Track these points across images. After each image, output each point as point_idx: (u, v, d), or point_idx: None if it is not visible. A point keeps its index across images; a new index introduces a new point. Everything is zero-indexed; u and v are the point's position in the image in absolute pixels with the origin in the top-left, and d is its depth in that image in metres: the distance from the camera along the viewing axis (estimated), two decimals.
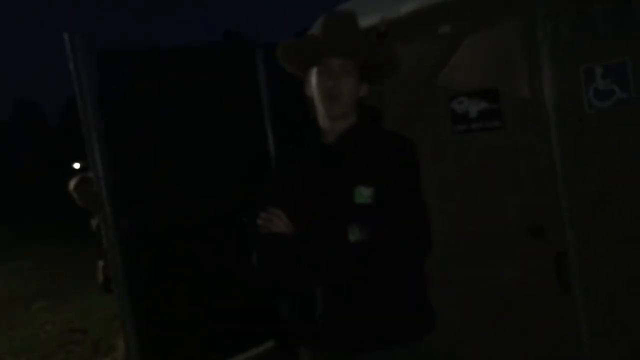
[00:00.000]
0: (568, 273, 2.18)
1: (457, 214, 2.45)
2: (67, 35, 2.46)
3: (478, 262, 2.42)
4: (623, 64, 1.99)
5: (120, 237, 2.60)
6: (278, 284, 2.01)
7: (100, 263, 3.46)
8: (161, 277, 2.73)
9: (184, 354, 2.84)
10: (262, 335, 3.01)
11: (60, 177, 7.68)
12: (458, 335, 2.45)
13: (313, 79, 1.66)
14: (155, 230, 2.74)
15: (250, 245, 1.68)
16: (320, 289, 1.61)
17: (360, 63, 1.64)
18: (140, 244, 2.67)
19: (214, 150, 2.95)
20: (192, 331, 2.83)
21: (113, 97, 2.65)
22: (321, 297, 1.61)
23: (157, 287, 2.71)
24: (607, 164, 2.06)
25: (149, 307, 2.67)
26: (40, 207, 22.16)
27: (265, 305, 2.88)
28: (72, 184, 3.50)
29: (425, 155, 1.73)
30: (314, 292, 1.62)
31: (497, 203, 2.36)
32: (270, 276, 1.83)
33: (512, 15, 2.24)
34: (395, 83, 2.34)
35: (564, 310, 2.19)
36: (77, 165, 26.36)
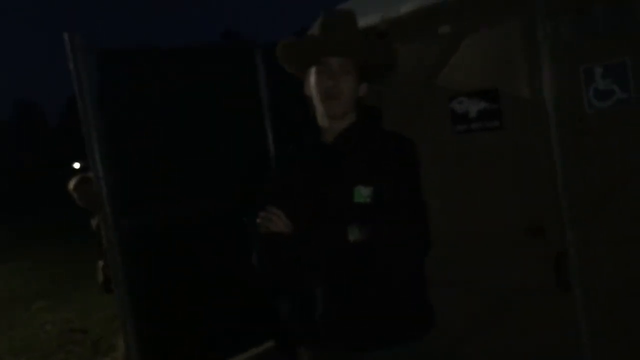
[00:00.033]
0: (568, 273, 2.18)
1: (457, 214, 2.45)
2: (67, 35, 2.46)
3: (478, 262, 2.42)
4: (623, 64, 1.99)
5: (120, 237, 2.60)
6: (278, 284, 2.01)
7: (100, 263, 3.46)
8: (161, 277, 2.73)
9: (184, 354, 2.84)
10: (262, 335, 3.01)
11: (60, 177, 7.67)
12: (458, 335, 2.44)
13: (312, 78, 1.66)
14: (155, 230, 2.74)
15: (250, 245, 1.68)
16: (320, 289, 1.61)
17: (360, 62, 1.64)
18: (140, 244, 2.66)
19: (214, 150, 2.95)
20: (192, 331, 2.83)
21: (113, 97, 2.65)
22: (321, 297, 1.61)
23: (157, 287, 2.71)
24: (607, 164, 2.05)
25: (149, 307, 2.67)
26: (40, 207, 22.15)
27: (265, 305, 2.88)
28: (72, 184, 3.50)
29: (425, 155, 1.73)
30: (313, 292, 1.62)
31: (497, 203, 2.36)
32: (270, 276, 1.84)
33: (512, 15, 2.24)
34: (395, 83, 2.34)
35: (564, 310, 2.19)
36: (77, 165, 26.35)
